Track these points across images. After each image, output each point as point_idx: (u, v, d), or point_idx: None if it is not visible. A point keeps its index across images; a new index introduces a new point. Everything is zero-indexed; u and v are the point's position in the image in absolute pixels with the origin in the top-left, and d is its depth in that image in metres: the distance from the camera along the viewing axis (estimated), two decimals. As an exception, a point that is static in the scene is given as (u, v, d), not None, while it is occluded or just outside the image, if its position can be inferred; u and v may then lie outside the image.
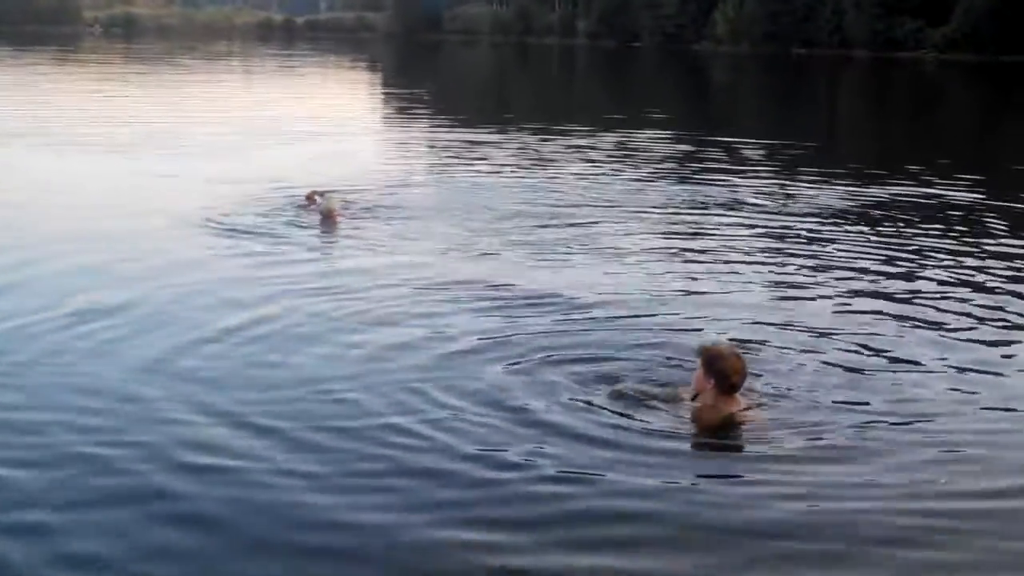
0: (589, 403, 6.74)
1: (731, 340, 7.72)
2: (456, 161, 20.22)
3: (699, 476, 5.92)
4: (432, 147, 23.48)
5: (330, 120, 29.25)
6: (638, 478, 5.77)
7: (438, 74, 62.01)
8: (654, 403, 6.64)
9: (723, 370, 6.30)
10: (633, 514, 5.44)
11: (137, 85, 43.98)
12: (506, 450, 6.13)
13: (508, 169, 18.65)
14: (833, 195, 16.08)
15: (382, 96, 45.20)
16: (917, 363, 7.84)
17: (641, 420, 6.44)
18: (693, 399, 6.53)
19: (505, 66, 75.76)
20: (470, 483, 5.74)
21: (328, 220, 12.94)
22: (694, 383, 6.49)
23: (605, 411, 6.58)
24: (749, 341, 8.08)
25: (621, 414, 6.51)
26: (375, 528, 5.30)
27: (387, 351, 7.92)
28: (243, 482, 5.74)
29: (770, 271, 11.03)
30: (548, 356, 7.74)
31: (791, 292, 10.10)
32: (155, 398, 7.00)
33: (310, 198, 13.66)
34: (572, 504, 5.54)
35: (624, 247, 12.06)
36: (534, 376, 7.30)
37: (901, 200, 15.87)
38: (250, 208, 13.80)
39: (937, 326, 8.92)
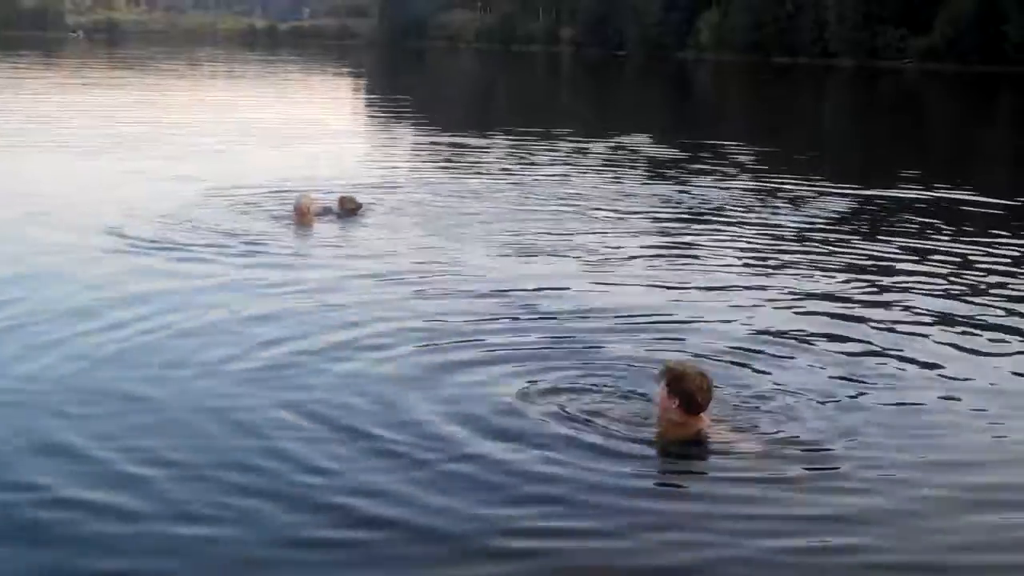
0: (552, 415, 6.60)
1: (698, 355, 7.64)
2: (439, 165, 20.22)
3: (662, 500, 5.75)
4: (413, 151, 23.48)
5: (311, 125, 29.20)
6: (595, 503, 5.57)
7: (422, 81, 61.97)
8: (619, 423, 6.46)
9: (688, 390, 6.17)
10: (589, 532, 5.30)
11: (117, 89, 43.82)
12: (459, 464, 5.97)
13: (489, 173, 18.58)
14: (815, 202, 16.01)
15: (364, 101, 45.14)
16: (895, 378, 7.65)
17: (604, 441, 6.24)
18: (653, 420, 6.42)
19: (489, 73, 75.78)
20: (405, 503, 5.55)
21: (303, 217, 12.92)
22: (659, 404, 6.35)
23: (566, 430, 6.38)
24: (722, 354, 7.95)
25: (583, 433, 6.33)
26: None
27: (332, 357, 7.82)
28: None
29: (751, 281, 10.78)
30: (513, 367, 7.57)
31: (770, 303, 9.83)
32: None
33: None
34: (529, 522, 5.38)
35: (603, 254, 11.88)
36: (493, 390, 7.10)
37: (883, 205, 15.86)
38: (215, 210, 13.76)
39: (923, 337, 8.73)
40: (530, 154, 21.73)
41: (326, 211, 13.35)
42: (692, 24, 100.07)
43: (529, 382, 7.22)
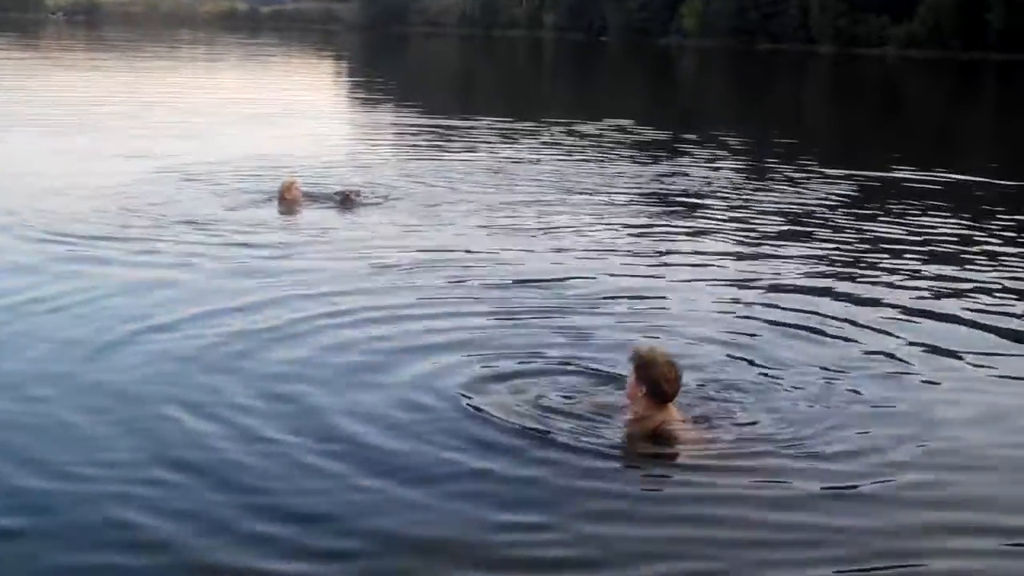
0: (517, 406, 6.41)
1: (675, 341, 7.55)
2: (419, 148, 20.10)
3: (623, 489, 5.56)
4: (392, 134, 23.37)
5: (290, 107, 29.04)
6: (560, 490, 5.45)
7: (404, 65, 61.74)
8: (584, 409, 6.33)
9: (655, 377, 5.94)
10: (549, 526, 5.15)
11: (96, 70, 43.45)
12: (418, 459, 5.80)
13: (469, 157, 18.45)
14: (799, 185, 16.00)
15: (345, 84, 44.91)
16: (884, 369, 7.44)
17: (568, 428, 6.09)
18: (625, 409, 6.22)
19: (471, 58, 75.54)
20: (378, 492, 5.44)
21: (286, 202, 12.72)
22: (627, 390, 6.15)
23: (531, 417, 6.24)
24: (702, 340, 7.84)
25: (548, 420, 6.18)
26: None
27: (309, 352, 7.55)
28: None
29: (735, 266, 10.65)
30: (482, 352, 7.43)
31: (754, 289, 9.65)
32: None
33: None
34: (494, 515, 5.24)
35: (582, 239, 11.73)
36: (461, 376, 6.96)
37: (868, 188, 15.82)
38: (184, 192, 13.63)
39: (912, 324, 8.54)
40: (511, 138, 21.61)
41: (315, 198, 13.01)
42: (675, 10, 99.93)
43: (492, 370, 7.07)
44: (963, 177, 17.83)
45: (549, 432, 6.04)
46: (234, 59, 60.20)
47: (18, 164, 15.88)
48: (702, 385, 6.81)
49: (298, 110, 28.21)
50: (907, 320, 8.75)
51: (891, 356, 7.71)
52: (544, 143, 20.88)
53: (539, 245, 11.31)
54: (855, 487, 5.59)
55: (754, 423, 6.28)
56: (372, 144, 20.93)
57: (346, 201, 12.76)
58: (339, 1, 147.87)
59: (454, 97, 37.72)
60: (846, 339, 8.10)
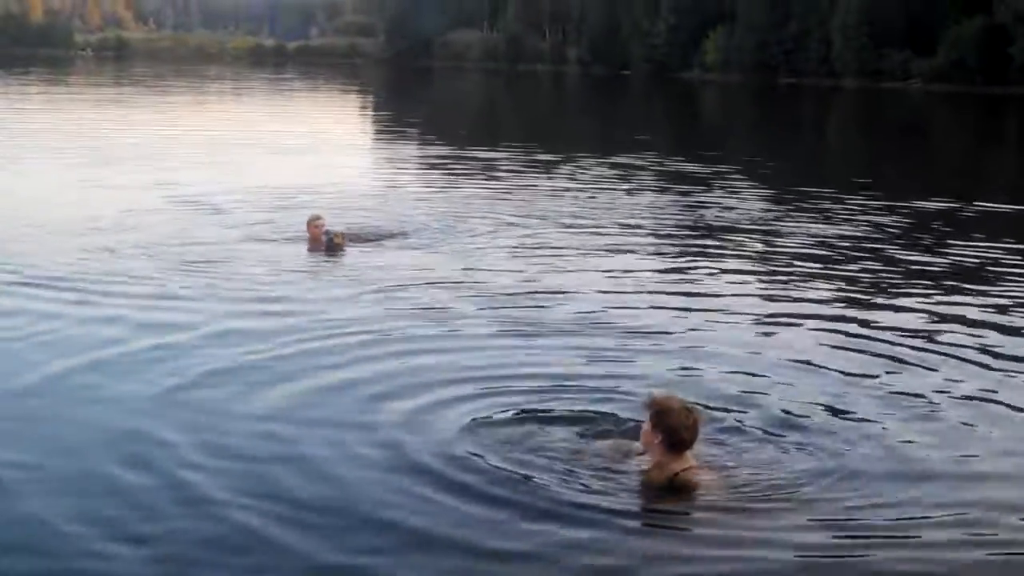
0: (526, 451, 6.26)
1: (693, 378, 7.44)
2: (442, 180, 20.31)
3: (640, 540, 5.42)
4: (415, 166, 23.56)
5: (315, 141, 29.32)
6: (572, 542, 5.28)
7: (426, 99, 62.01)
8: (599, 458, 6.15)
9: (672, 426, 5.75)
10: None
11: (124, 105, 43.97)
12: (416, 506, 5.67)
13: (493, 189, 18.55)
14: (822, 223, 15.87)
15: (370, 118, 45.23)
16: (917, 415, 7.16)
17: (582, 476, 5.94)
18: (641, 455, 6.04)
19: (495, 92, 75.87)
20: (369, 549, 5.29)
21: (314, 243, 12.51)
22: (642, 438, 5.96)
23: (542, 464, 6.08)
24: (724, 381, 7.66)
25: (560, 468, 6.02)
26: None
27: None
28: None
29: (760, 302, 10.49)
30: (495, 388, 7.33)
31: (777, 325, 9.46)
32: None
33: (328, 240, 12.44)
34: (503, 566, 5.13)
35: (607, 270, 11.72)
36: (467, 415, 6.83)
37: (888, 227, 15.61)
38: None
39: (925, 372, 8.19)
40: (535, 169, 21.71)
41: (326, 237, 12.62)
42: (698, 44, 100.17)
43: (503, 409, 6.95)
44: (993, 206, 17.85)
45: (559, 480, 5.90)
46: (260, 93, 60.76)
47: (33, 193, 16.21)
48: (722, 426, 6.69)
49: (322, 144, 28.47)
50: (940, 355, 8.51)
51: (921, 396, 7.48)
52: (570, 175, 20.98)
53: (560, 277, 11.27)
54: (877, 536, 5.45)
55: (774, 467, 6.14)
56: (393, 176, 21.11)
57: (332, 245, 12.25)
58: (364, 36, 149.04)
59: (480, 130, 37.89)
60: (874, 377, 7.91)
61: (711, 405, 7.02)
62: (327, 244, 12.27)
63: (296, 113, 44.95)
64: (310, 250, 12.37)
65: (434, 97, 64.20)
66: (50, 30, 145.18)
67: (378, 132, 35.21)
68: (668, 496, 5.80)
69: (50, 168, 19.78)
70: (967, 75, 75.28)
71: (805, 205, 17.36)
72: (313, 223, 12.57)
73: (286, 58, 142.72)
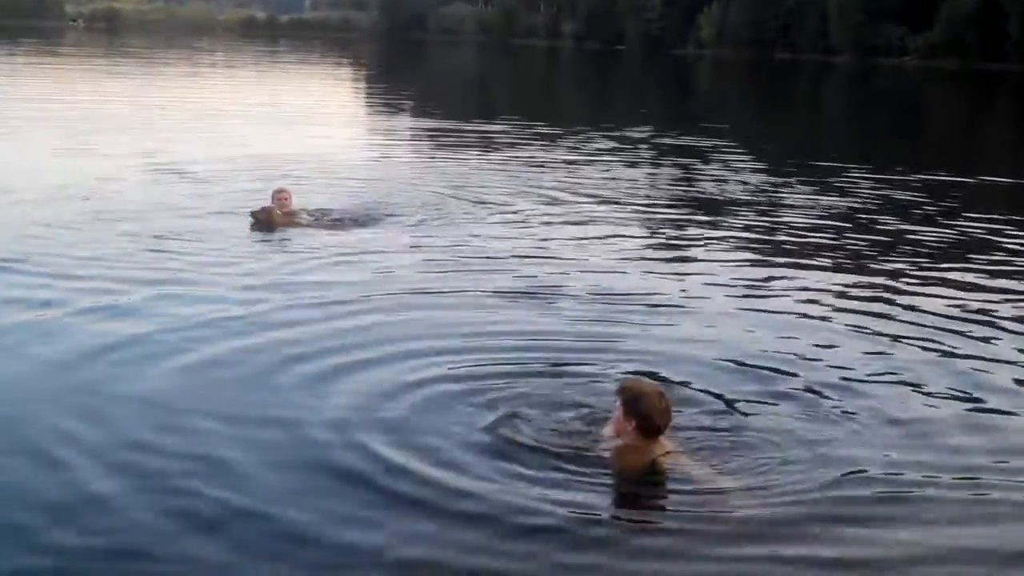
0: (501, 441, 5.92)
1: (657, 373, 6.98)
2: (434, 154, 20.06)
3: (615, 528, 5.17)
4: (407, 139, 23.29)
5: (306, 112, 29.07)
6: (541, 532, 5.01)
7: (419, 73, 61.73)
8: (572, 444, 5.86)
9: (645, 411, 5.56)
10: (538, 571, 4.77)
11: (112, 75, 43.60)
12: (393, 488, 5.38)
13: (486, 163, 18.28)
14: (819, 196, 15.69)
15: (362, 90, 44.93)
16: (905, 403, 6.78)
17: (555, 463, 5.64)
18: (612, 440, 5.78)
19: (489, 66, 75.50)
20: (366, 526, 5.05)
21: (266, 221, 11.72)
22: (613, 425, 5.74)
23: (513, 451, 5.78)
24: (706, 365, 7.29)
25: (531, 453, 5.74)
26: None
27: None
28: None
29: (752, 281, 10.05)
30: (461, 373, 6.94)
31: (770, 308, 9.04)
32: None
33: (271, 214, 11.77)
34: (474, 558, 4.81)
35: (601, 246, 11.36)
36: (438, 401, 6.47)
37: (880, 202, 15.37)
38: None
39: (932, 353, 7.83)
40: (532, 143, 21.45)
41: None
42: (692, 20, 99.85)
43: (483, 396, 6.55)
44: (992, 180, 17.71)
45: (543, 464, 5.63)
46: (252, 66, 60.35)
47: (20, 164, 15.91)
48: (701, 409, 6.43)
49: (315, 116, 28.22)
50: (941, 329, 8.31)
51: (917, 372, 7.25)
52: (566, 149, 20.73)
53: (552, 252, 10.98)
54: (859, 517, 5.25)
55: (754, 449, 5.88)
56: (387, 148, 20.85)
57: (261, 219, 11.59)
58: (357, 9, 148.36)
59: (473, 103, 37.66)
60: (875, 354, 7.66)
61: (697, 385, 6.81)
62: (254, 219, 11.61)
63: (287, 85, 44.55)
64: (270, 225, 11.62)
65: (427, 70, 63.88)
66: (41, 0, 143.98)
67: (370, 105, 34.92)
68: (644, 482, 5.59)
69: (33, 138, 19.45)
70: (963, 51, 75.14)
71: (802, 178, 17.18)
72: (276, 196, 11.99)
73: (279, 31, 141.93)
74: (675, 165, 18.72)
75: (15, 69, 44.47)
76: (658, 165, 18.71)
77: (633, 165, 18.54)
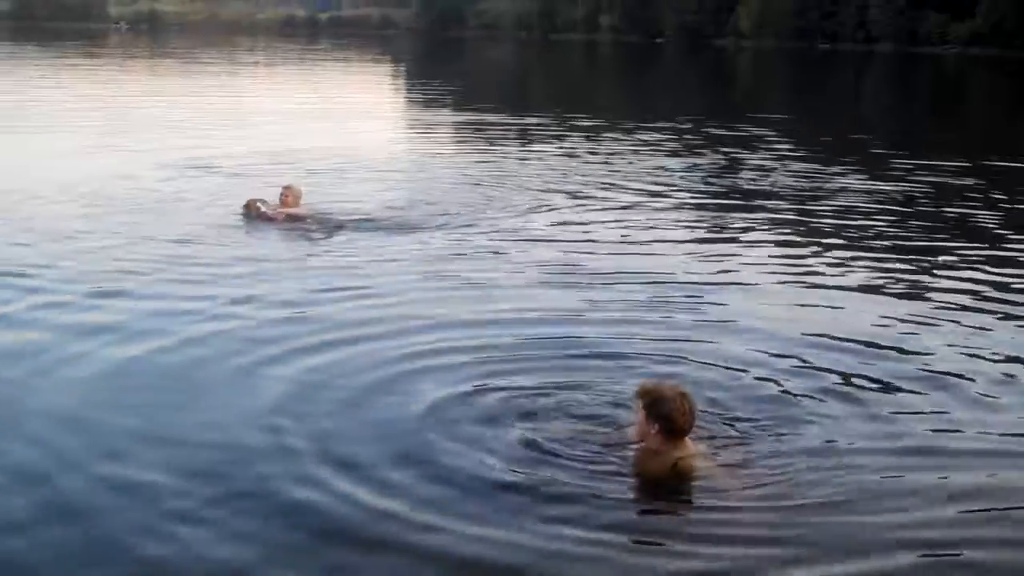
0: (519, 444, 5.83)
1: (709, 364, 6.96)
2: (475, 147, 20.16)
3: (641, 532, 5.07)
4: (449, 134, 23.36)
5: (347, 109, 29.27)
6: (565, 537, 4.93)
7: (459, 68, 61.77)
8: (595, 447, 5.78)
9: (667, 414, 5.45)
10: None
11: (154, 74, 44.08)
12: (416, 494, 5.30)
13: (525, 155, 18.42)
14: (867, 184, 15.60)
15: (402, 87, 45.12)
16: (901, 392, 6.65)
17: (577, 467, 5.56)
18: (635, 445, 5.70)
19: (530, 61, 75.45)
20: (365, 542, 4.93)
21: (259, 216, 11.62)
22: (636, 429, 5.66)
23: (535, 456, 5.68)
24: (743, 361, 7.14)
25: (554, 461, 5.63)
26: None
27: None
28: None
29: (792, 274, 9.89)
30: (487, 373, 6.84)
31: (807, 302, 8.85)
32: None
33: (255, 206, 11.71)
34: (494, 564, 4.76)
35: (640, 235, 11.39)
36: (466, 403, 6.38)
37: (938, 190, 15.21)
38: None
39: (979, 341, 7.67)
40: (574, 137, 21.52)
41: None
42: (731, 11, 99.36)
43: (507, 390, 6.52)
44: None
45: (565, 469, 5.54)
46: (292, 64, 60.74)
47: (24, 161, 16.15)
48: (729, 408, 6.33)
49: (353, 112, 28.43)
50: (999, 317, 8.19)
51: (927, 369, 7.00)
52: (604, 141, 20.79)
53: (588, 243, 10.96)
54: (885, 524, 5.10)
55: (782, 450, 5.77)
56: (428, 142, 21.01)
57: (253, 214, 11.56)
58: (396, 6, 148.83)
59: (514, 97, 37.62)
60: (912, 354, 7.39)
61: (722, 382, 6.75)
62: (245, 214, 11.60)
63: (327, 83, 44.83)
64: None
65: (467, 68, 63.87)
66: (85, 3, 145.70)
67: (410, 101, 35.11)
68: (670, 484, 5.48)
69: (63, 138, 19.42)
70: (1005, 39, 74.27)
71: (851, 166, 17.16)
72: (282, 192, 11.91)
73: (318, 29, 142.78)
74: (719, 155, 18.73)
75: (59, 71, 45.05)
76: (701, 156, 18.68)
77: (676, 156, 18.60)
